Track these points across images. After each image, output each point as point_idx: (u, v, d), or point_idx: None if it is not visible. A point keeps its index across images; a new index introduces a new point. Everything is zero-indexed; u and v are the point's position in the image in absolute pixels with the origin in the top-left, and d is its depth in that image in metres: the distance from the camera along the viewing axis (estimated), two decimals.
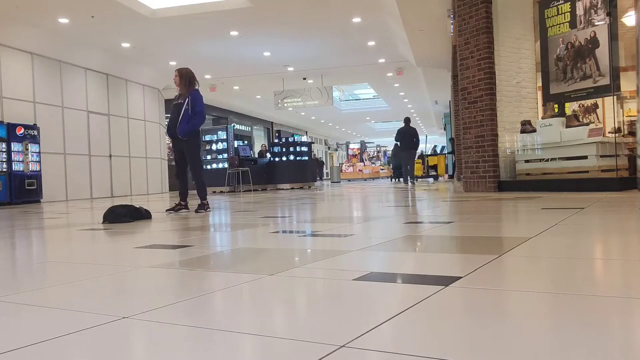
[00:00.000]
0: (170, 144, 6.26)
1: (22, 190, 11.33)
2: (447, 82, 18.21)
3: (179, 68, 6.08)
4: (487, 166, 7.49)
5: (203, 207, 5.94)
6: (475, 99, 7.56)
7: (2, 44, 11.35)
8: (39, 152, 11.86)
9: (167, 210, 5.99)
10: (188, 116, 5.83)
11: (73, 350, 1.14)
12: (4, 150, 10.99)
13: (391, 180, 18.34)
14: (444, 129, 29.92)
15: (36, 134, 11.74)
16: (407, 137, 13.94)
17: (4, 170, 10.98)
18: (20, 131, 11.30)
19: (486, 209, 4.58)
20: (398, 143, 14.63)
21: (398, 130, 14.23)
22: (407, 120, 14.19)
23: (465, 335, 1.11)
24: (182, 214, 5.68)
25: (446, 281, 1.61)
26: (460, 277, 1.66)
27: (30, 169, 11.56)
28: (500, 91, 7.57)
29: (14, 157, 11.18)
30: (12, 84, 11.64)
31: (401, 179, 16.83)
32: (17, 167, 11.22)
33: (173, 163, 20.64)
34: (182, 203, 6.00)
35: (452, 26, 10.41)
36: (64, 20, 11.30)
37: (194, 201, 6.57)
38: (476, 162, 7.60)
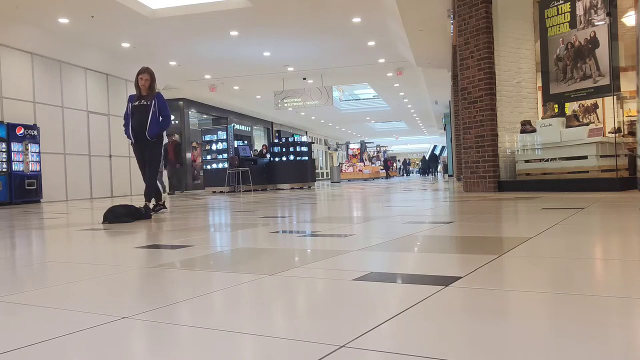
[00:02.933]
0: (133, 148, 5.86)
1: (22, 190, 11.34)
2: (447, 82, 18.21)
3: (148, 68, 5.83)
4: (487, 166, 7.49)
5: (162, 206, 6.01)
6: (475, 99, 7.56)
7: (2, 44, 11.36)
8: (39, 152, 11.86)
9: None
10: (156, 118, 5.68)
11: (73, 351, 1.14)
12: (4, 150, 11.00)
13: (421, 175, 36.79)
14: (444, 129, 29.96)
15: (36, 134, 11.74)
16: (432, 155, 34.26)
17: (4, 170, 10.98)
18: (20, 131, 11.30)
19: (486, 209, 4.58)
20: (426, 157, 36.09)
21: (431, 153, 34.60)
22: (433, 148, 34.23)
23: (465, 336, 1.11)
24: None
25: (446, 281, 1.61)
26: (460, 277, 1.66)
27: (30, 169, 11.57)
28: (500, 91, 7.57)
29: (14, 157, 11.19)
30: (12, 84, 11.64)
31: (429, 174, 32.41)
32: (17, 167, 11.23)
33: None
34: (160, 203, 5.99)
35: (452, 26, 10.42)
36: (64, 20, 11.30)
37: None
38: (476, 162, 7.60)
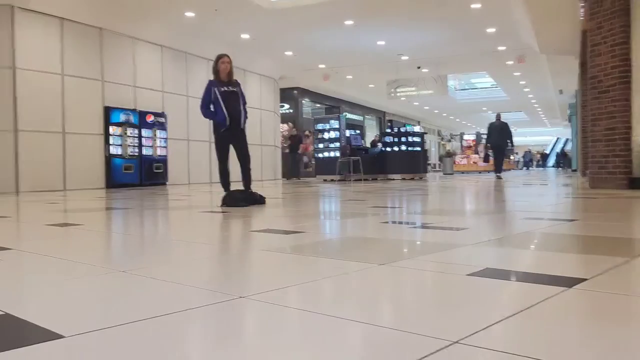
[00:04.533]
0: (221, 134, 5.37)
1: (150, 174, 12.27)
2: (574, 70, 16.99)
3: (227, 54, 5.46)
4: (618, 161, 6.90)
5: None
6: (607, 88, 6.98)
7: (137, 37, 12.32)
8: (166, 138, 12.76)
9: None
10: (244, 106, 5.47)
11: (192, 324, 1.21)
12: (135, 135, 11.95)
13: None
14: (569, 120, 28.04)
15: (164, 121, 12.64)
16: (562, 151, 34.89)
17: (136, 154, 11.94)
18: (150, 118, 12.22)
19: (615, 207, 4.22)
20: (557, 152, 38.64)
21: (560, 149, 36.49)
22: (556, 141, 40.05)
23: (586, 343, 1.03)
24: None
25: (569, 282, 1.50)
26: (586, 279, 1.53)
27: (158, 154, 12.48)
28: (635, 80, 6.92)
29: (144, 142, 12.13)
30: (144, 75, 12.61)
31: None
32: (146, 151, 12.16)
33: (287, 151, 20.69)
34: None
35: (582, 10, 9.67)
36: (190, 14, 12.01)
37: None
38: (605, 157, 7.03)
